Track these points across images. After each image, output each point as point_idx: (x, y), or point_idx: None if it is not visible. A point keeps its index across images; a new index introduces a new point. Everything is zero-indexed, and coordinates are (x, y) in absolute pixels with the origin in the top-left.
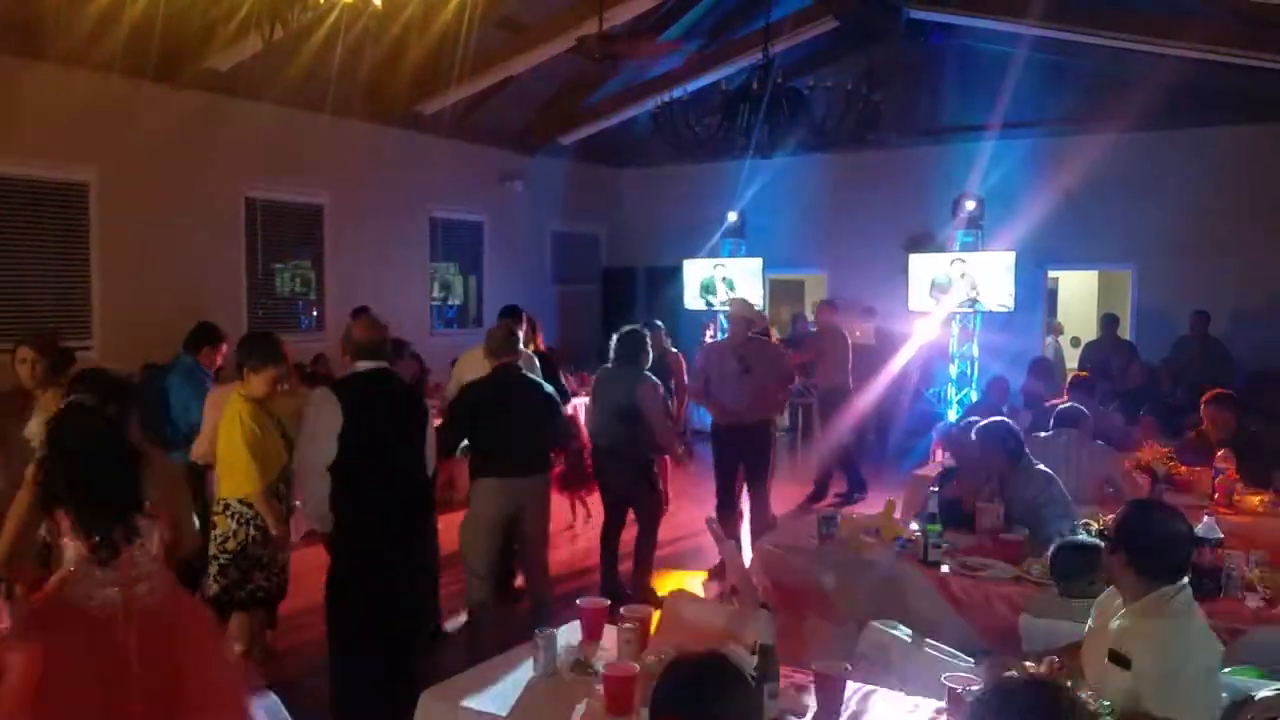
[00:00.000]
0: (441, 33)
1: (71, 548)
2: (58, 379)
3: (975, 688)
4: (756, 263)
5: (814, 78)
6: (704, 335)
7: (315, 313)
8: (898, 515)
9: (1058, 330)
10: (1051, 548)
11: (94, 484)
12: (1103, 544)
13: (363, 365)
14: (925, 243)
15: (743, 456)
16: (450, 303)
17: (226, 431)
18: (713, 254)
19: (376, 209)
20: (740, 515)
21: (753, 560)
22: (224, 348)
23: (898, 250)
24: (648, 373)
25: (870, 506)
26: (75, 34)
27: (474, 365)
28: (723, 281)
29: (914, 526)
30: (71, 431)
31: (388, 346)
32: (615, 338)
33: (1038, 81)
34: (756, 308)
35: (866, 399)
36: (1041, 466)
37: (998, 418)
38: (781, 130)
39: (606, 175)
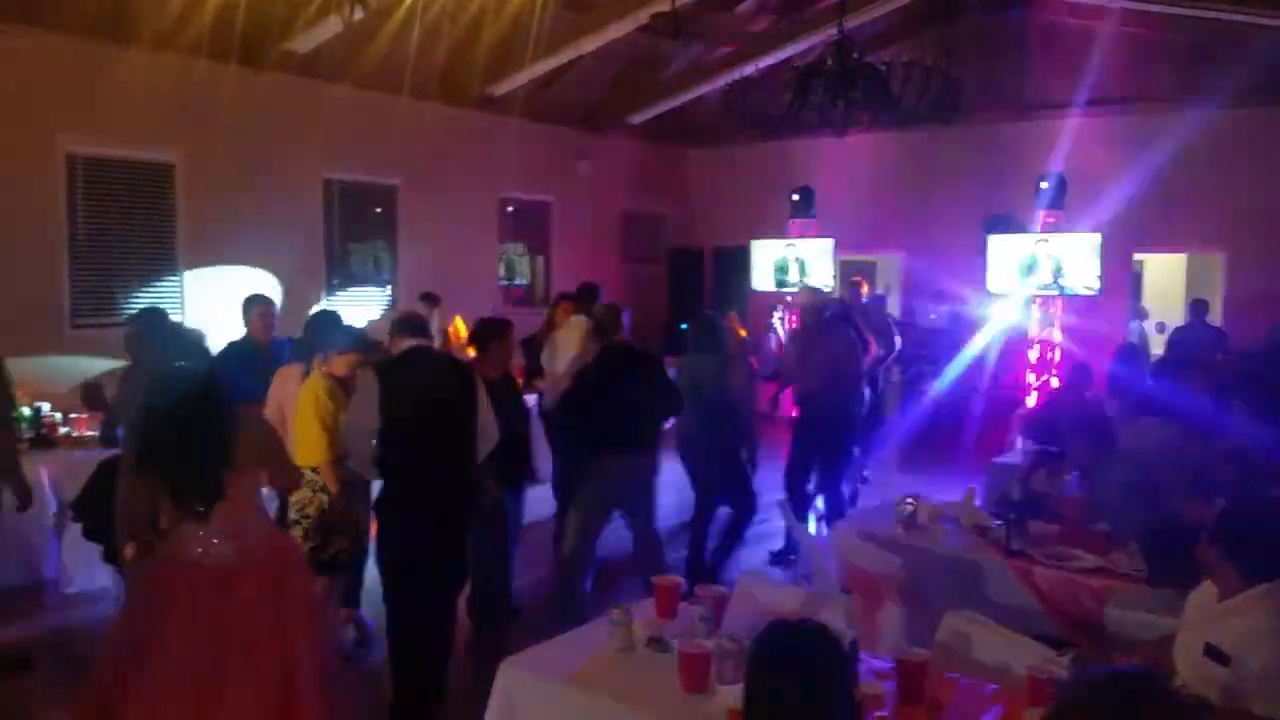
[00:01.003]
0: (515, 12)
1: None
2: None
3: (1061, 678)
4: (828, 243)
5: (891, 53)
6: (773, 318)
7: (389, 291)
8: (978, 503)
9: (1143, 315)
10: (1143, 529)
11: (176, 443)
12: (1201, 534)
13: (405, 343)
14: (1006, 223)
15: (816, 443)
16: (517, 282)
17: (302, 404)
18: (782, 234)
19: (448, 190)
20: (809, 499)
21: (827, 545)
22: (261, 308)
23: (976, 231)
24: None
25: (950, 494)
26: (164, 19)
27: (572, 341)
28: (795, 262)
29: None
30: (157, 394)
31: (425, 324)
32: (692, 324)
33: (1126, 56)
34: (826, 291)
35: (939, 383)
36: (1129, 454)
37: (1084, 405)
38: (856, 107)
39: (674, 154)
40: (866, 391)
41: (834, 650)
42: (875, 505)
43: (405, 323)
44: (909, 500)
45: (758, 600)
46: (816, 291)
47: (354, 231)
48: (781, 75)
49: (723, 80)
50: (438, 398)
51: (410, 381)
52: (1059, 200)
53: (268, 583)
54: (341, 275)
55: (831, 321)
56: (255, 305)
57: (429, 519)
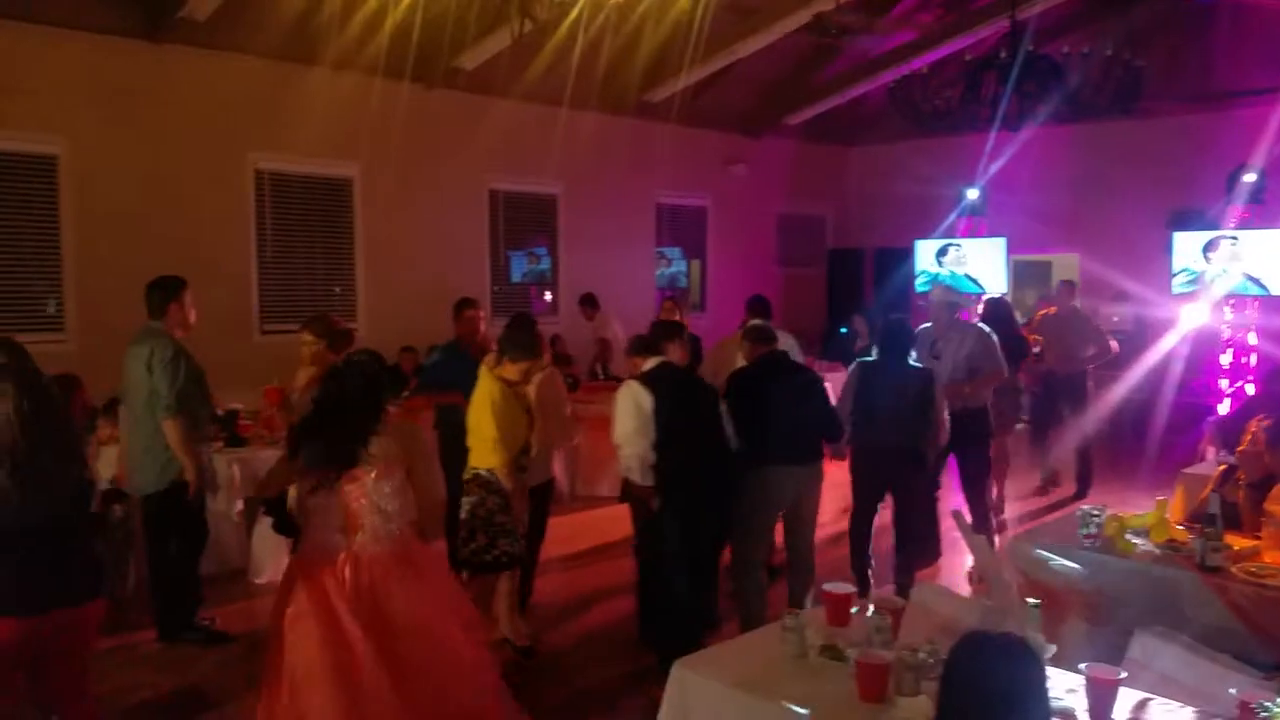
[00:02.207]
0: (676, 19)
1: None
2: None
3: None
4: (1000, 243)
5: (1068, 43)
6: None
7: (549, 296)
8: (1169, 515)
9: None
10: None
11: (322, 423)
12: None
13: (649, 362)
14: (1192, 219)
15: (953, 450)
16: (676, 280)
17: (477, 407)
18: (949, 234)
19: (606, 197)
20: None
21: (1004, 555)
22: (468, 312)
23: (1160, 228)
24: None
25: (1136, 505)
26: (344, 40)
27: (731, 355)
28: (955, 248)
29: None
30: (330, 381)
31: (657, 344)
32: (882, 327)
33: None
34: (958, 292)
35: (1121, 389)
36: None
37: None
38: (1031, 101)
39: (833, 154)
40: (1024, 396)
41: (1035, 666)
42: (1059, 516)
43: (646, 343)
44: (1095, 511)
45: (935, 612)
46: (950, 289)
47: (516, 239)
48: (950, 70)
49: (887, 77)
50: (698, 406)
51: (676, 394)
52: (1258, 194)
53: (371, 580)
54: (504, 282)
55: (964, 321)
56: (462, 309)
57: (696, 511)
